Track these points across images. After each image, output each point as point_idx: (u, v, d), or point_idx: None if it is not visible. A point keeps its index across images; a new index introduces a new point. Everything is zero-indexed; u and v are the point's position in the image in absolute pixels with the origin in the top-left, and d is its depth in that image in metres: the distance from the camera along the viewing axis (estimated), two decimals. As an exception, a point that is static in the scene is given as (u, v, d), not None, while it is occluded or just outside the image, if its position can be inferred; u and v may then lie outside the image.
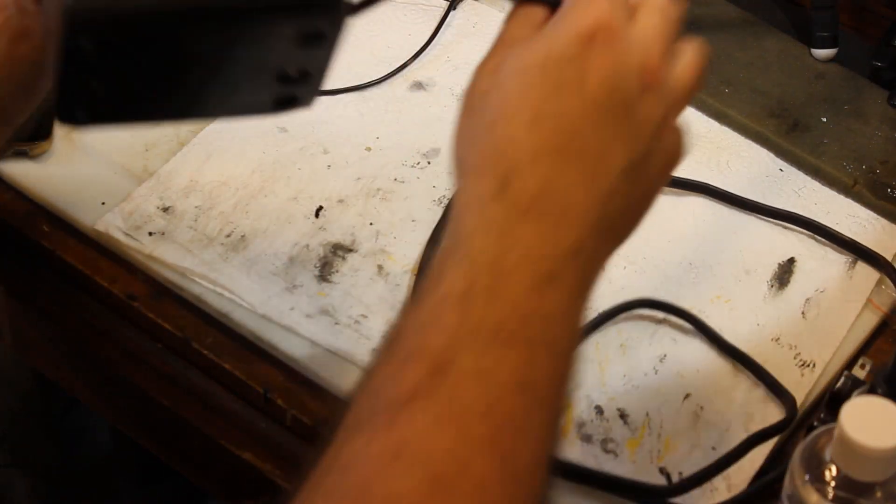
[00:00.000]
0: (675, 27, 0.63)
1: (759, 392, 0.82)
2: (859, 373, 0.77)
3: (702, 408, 0.81)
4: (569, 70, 0.60)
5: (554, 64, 0.60)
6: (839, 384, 0.76)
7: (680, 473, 0.78)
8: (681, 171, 0.94)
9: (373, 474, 0.53)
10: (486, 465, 0.54)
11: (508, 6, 0.64)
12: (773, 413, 0.81)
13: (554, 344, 0.57)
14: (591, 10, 0.60)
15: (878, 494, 0.65)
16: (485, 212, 0.58)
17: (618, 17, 0.60)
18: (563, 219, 0.58)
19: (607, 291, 0.87)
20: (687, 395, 0.82)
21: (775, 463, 0.79)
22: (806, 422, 0.81)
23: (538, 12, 0.63)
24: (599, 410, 0.81)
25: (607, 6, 0.60)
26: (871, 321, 0.87)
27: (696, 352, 0.84)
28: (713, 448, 0.80)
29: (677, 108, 0.63)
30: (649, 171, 0.62)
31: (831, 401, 0.76)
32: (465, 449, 0.54)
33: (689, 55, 0.63)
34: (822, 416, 0.77)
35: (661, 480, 0.78)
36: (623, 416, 0.81)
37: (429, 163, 0.94)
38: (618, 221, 0.61)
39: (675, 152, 0.63)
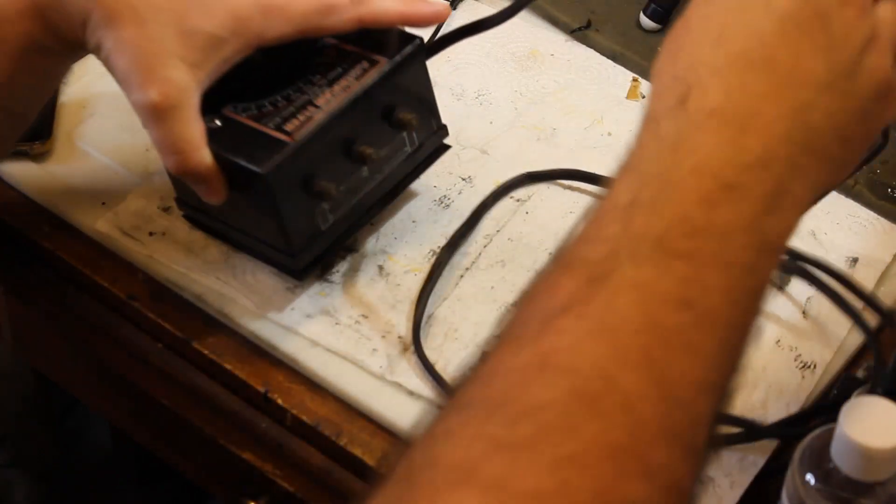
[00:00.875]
0: None
1: (758, 395, 0.82)
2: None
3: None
4: None
5: None
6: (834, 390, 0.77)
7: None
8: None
9: (515, 385, 0.50)
10: (636, 382, 0.50)
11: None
12: (772, 417, 0.81)
13: (730, 263, 0.53)
14: None
15: (879, 494, 0.65)
16: (660, 125, 0.56)
17: None
18: (746, 128, 0.55)
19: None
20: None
21: (776, 463, 0.79)
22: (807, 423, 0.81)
23: None
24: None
25: None
26: (871, 320, 0.86)
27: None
28: (713, 448, 0.80)
29: (885, 36, 0.60)
30: (857, 89, 0.59)
31: (830, 405, 0.77)
32: (615, 364, 0.50)
33: None
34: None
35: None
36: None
37: (429, 163, 0.94)
38: (826, 140, 0.57)
39: (886, 80, 0.60)
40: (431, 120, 0.87)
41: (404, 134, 0.85)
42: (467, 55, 1.01)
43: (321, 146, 0.80)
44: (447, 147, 0.90)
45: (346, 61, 0.83)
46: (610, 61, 1.03)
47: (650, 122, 0.57)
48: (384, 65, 0.83)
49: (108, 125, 0.96)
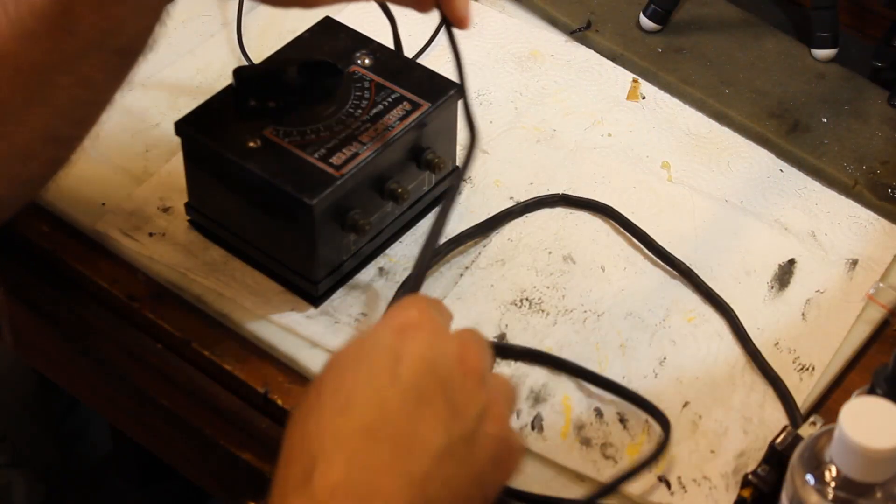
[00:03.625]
0: (489, 364, 0.66)
1: (757, 395, 0.82)
2: (811, 430, 0.76)
3: (700, 416, 0.81)
4: (383, 356, 0.61)
5: (367, 351, 0.62)
6: (779, 440, 0.76)
7: (679, 478, 0.78)
8: (682, 172, 0.95)
9: None
10: None
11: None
12: (770, 416, 0.81)
13: None
14: (403, 308, 0.64)
15: (878, 495, 0.65)
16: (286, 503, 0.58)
17: (431, 316, 0.64)
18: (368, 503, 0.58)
19: (608, 292, 0.87)
20: (686, 404, 0.82)
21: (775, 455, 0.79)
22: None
23: None
24: (599, 413, 0.81)
25: (422, 306, 0.64)
26: (870, 323, 0.87)
27: (696, 355, 0.84)
28: (711, 451, 0.80)
29: (501, 404, 0.65)
30: (475, 457, 0.62)
31: (775, 455, 0.76)
32: None
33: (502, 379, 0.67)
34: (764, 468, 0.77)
35: (660, 488, 0.78)
36: (622, 420, 0.81)
37: (429, 163, 0.94)
38: None
39: (502, 447, 0.64)
40: (449, 162, 0.89)
41: (427, 173, 0.88)
42: (467, 55, 1.01)
43: (362, 182, 0.82)
44: (458, 190, 0.91)
45: (387, 99, 0.85)
46: (610, 62, 1.03)
47: (278, 499, 0.59)
48: (426, 108, 0.85)
49: (108, 125, 0.95)
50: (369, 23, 1.00)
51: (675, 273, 0.89)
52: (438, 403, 0.61)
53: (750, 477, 0.76)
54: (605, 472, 0.78)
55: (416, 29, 1.03)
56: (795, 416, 0.81)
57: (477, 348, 0.65)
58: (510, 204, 0.91)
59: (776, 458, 0.75)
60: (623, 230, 0.90)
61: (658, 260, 0.89)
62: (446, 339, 0.63)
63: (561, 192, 0.92)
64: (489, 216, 0.91)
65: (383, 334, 0.63)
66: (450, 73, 0.99)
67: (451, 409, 0.61)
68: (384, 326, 0.63)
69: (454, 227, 0.90)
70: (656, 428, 0.80)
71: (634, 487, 0.78)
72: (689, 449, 0.80)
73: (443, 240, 0.89)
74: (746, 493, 0.76)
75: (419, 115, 0.84)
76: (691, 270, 0.88)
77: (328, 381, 0.62)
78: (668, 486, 0.78)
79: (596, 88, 1.01)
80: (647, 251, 0.90)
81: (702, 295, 0.87)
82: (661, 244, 0.89)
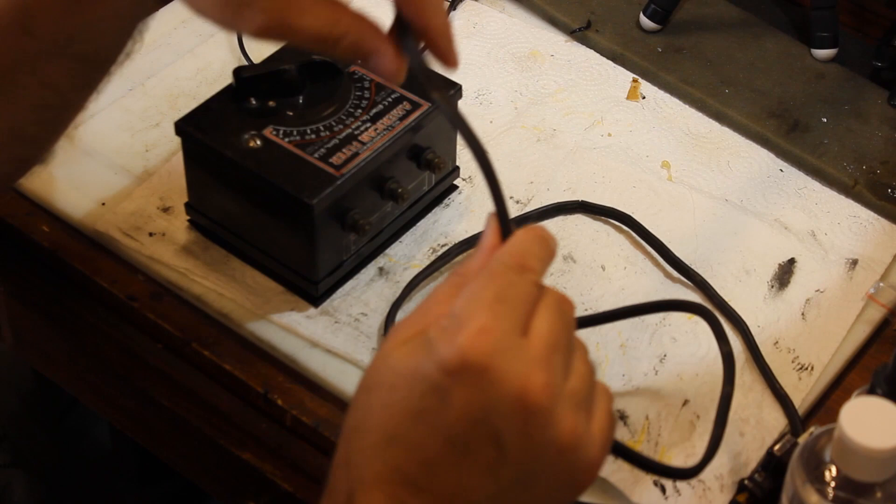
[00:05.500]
0: (572, 327, 0.61)
1: (755, 395, 0.82)
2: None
3: (698, 416, 0.81)
4: (431, 398, 0.58)
5: (419, 388, 0.58)
6: (778, 447, 0.76)
7: (674, 483, 0.78)
8: (682, 171, 0.95)
9: None
10: None
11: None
12: (768, 416, 0.81)
13: None
14: (469, 331, 0.57)
15: (878, 494, 0.65)
16: None
17: (494, 344, 0.57)
18: None
19: (608, 291, 0.87)
20: (685, 402, 0.82)
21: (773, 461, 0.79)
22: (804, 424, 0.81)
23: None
24: (599, 411, 0.81)
25: (489, 323, 0.57)
26: (870, 323, 0.87)
27: (696, 353, 0.84)
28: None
29: (574, 419, 0.59)
30: (532, 493, 0.59)
31: (772, 462, 0.76)
32: None
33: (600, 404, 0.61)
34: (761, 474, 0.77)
35: (655, 492, 0.78)
36: (623, 416, 0.81)
37: (429, 163, 0.94)
38: None
39: (568, 466, 0.60)
40: (449, 161, 0.89)
41: (427, 173, 0.88)
42: (467, 55, 1.01)
43: (361, 182, 0.82)
44: (456, 187, 0.92)
45: (387, 99, 0.85)
46: (610, 62, 1.03)
47: None
48: (426, 108, 0.85)
49: (108, 125, 0.96)
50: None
51: (675, 272, 0.89)
52: (488, 452, 0.58)
53: (746, 482, 0.76)
54: (606, 469, 0.78)
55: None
56: (794, 418, 0.81)
57: (550, 366, 0.58)
58: (512, 204, 0.91)
59: (774, 464, 0.76)
60: (641, 240, 0.90)
61: (660, 259, 0.89)
62: (505, 379, 0.57)
63: (561, 192, 0.93)
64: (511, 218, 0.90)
65: (431, 371, 0.58)
66: (449, 74, 0.99)
67: (501, 454, 0.58)
68: (430, 356, 0.58)
69: (456, 227, 0.90)
70: (656, 425, 0.80)
71: (629, 492, 0.77)
72: (685, 453, 0.80)
73: (452, 242, 0.89)
74: (742, 499, 0.76)
75: (419, 115, 0.84)
76: (706, 282, 0.87)
77: (378, 404, 0.59)
78: (664, 490, 0.78)
79: (596, 88, 1.01)
80: (654, 254, 0.89)
81: (716, 306, 0.86)
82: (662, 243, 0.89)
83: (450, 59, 0.68)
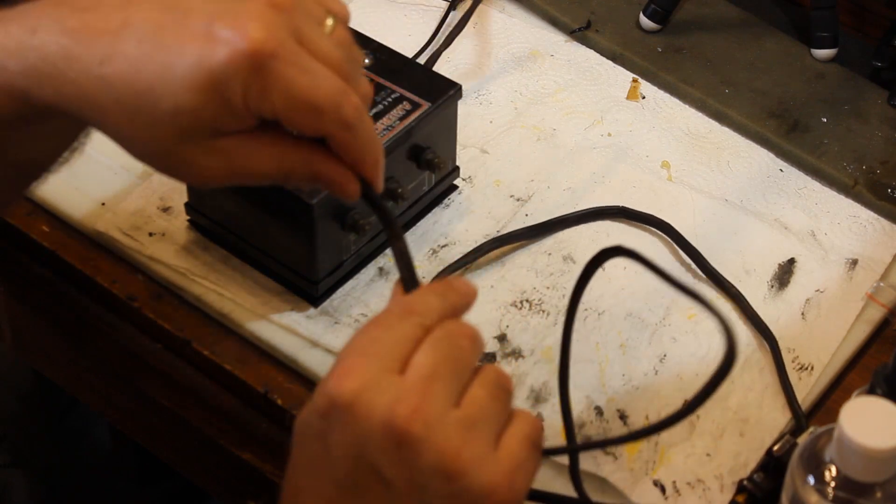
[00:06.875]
0: (463, 358, 0.60)
1: (755, 396, 0.82)
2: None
3: (698, 417, 0.81)
4: (315, 446, 0.59)
5: (306, 437, 0.60)
6: (777, 447, 0.76)
7: (674, 483, 0.78)
8: (682, 171, 0.95)
9: None
10: None
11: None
12: (768, 416, 0.81)
13: None
14: (338, 373, 0.59)
15: (878, 494, 0.65)
16: None
17: (364, 379, 0.58)
18: None
19: (607, 291, 0.87)
20: (685, 402, 0.82)
21: (772, 462, 0.79)
22: (804, 424, 0.81)
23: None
24: (599, 411, 0.81)
25: (359, 363, 0.58)
26: (870, 322, 0.87)
27: (696, 353, 0.84)
28: (707, 455, 0.80)
29: (464, 442, 0.58)
30: None
31: (772, 462, 0.76)
32: None
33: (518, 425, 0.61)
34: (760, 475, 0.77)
35: (655, 493, 0.78)
36: (623, 416, 0.81)
37: (429, 163, 0.94)
38: None
39: (483, 492, 0.58)
40: (449, 161, 0.89)
41: (427, 173, 0.88)
42: (467, 55, 1.01)
43: (361, 181, 0.81)
44: (456, 187, 0.92)
45: (387, 99, 0.85)
46: (610, 62, 1.03)
47: None
48: (426, 108, 0.85)
49: (108, 125, 0.95)
50: (370, 23, 1.00)
51: (675, 272, 0.88)
52: (376, 488, 0.59)
53: (745, 483, 0.76)
54: (606, 469, 0.78)
55: (416, 29, 1.03)
56: (800, 419, 0.80)
57: (425, 394, 0.58)
58: (512, 203, 0.91)
59: (773, 465, 0.76)
60: (678, 248, 0.90)
61: (658, 259, 0.89)
62: (371, 411, 0.57)
63: (561, 191, 0.93)
64: (548, 219, 0.90)
65: (312, 419, 0.60)
66: (450, 73, 1.00)
67: (388, 489, 0.58)
68: (312, 408, 0.60)
69: (456, 227, 0.90)
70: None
71: (629, 492, 0.78)
72: (685, 453, 0.80)
73: (452, 242, 0.89)
74: (741, 499, 0.76)
75: (419, 115, 0.84)
76: (741, 295, 0.87)
77: (292, 459, 0.62)
78: (663, 490, 0.78)
79: (596, 88, 1.01)
80: (646, 251, 0.89)
81: (749, 319, 0.86)
82: (662, 243, 0.89)
83: (378, 188, 0.68)
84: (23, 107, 0.65)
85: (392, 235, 0.66)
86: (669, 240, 0.90)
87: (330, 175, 0.67)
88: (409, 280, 0.65)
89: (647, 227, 0.91)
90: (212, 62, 0.61)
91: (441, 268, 0.87)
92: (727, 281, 0.87)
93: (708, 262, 0.88)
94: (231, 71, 0.61)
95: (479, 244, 0.88)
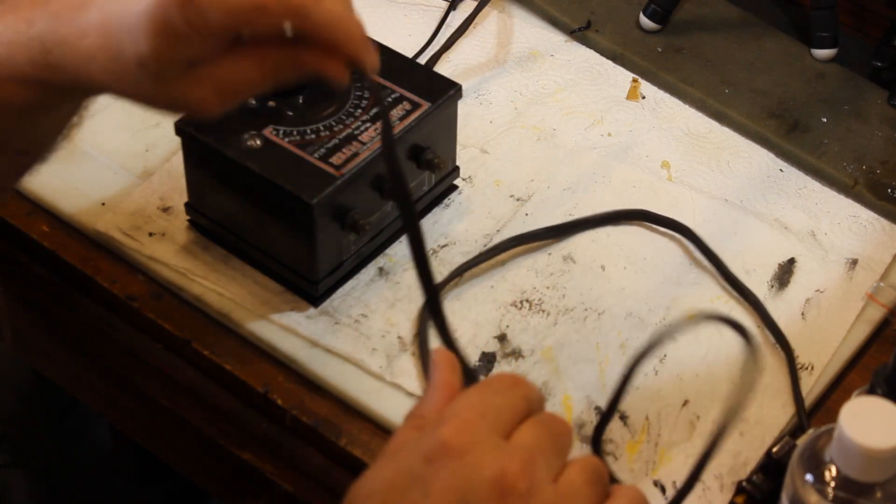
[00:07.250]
0: (562, 444, 0.62)
1: (754, 395, 0.82)
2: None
3: (698, 417, 0.81)
4: (413, 491, 0.59)
5: (397, 483, 0.60)
6: (776, 449, 0.76)
7: (674, 483, 0.78)
8: (682, 171, 0.95)
9: None
10: None
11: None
12: (768, 416, 0.81)
13: None
14: (451, 424, 0.61)
15: (878, 494, 0.65)
16: None
17: (472, 428, 0.60)
18: None
19: (607, 291, 0.87)
20: (685, 402, 0.82)
21: (771, 464, 0.79)
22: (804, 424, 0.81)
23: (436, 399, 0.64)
24: (599, 411, 0.81)
25: (466, 415, 0.61)
26: (870, 322, 0.87)
27: (696, 353, 0.84)
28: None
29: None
30: None
31: (771, 463, 0.76)
32: None
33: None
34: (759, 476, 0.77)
35: (655, 492, 0.78)
36: (623, 417, 0.81)
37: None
38: None
39: None
40: (449, 161, 0.89)
41: (427, 172, 0.88)
42: (467, 55, 1.01)
43: (361, 182, 0.82)
44: (456, 187, 0.92)
45: (387, 99, 0.85)
46: (610, 62, 1.03)
47: None
48: (425, 108, 0.85)
49: (108, 125, 0.96)
50: (370, 23, 1.00)
51: (674, 272, 0.88)
52: None
53: (744, 484, 0.76)
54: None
55: (416, 29, 1.03)
56: (803, 420, 0.80)
57: (529, 456, 0.61)
58: (512, 203, 0.91)
59: (772, 466, 0.76)
60: (699, 253, 0.89)
61: (658, 259, 0.89)
62: (483, 463, 0.60)
63: (561, 191, 0.93)
64: (561, 222, 0.90)
65: (413, 460, 0.60)
66: (450, 73, 1.00)
67: None
68: (415, 449, 0.61)
69: (456, 227, 0.90)
70: (656, 425, 0.80)
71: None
72: (685, 453, 0.80)
73: (452, 242, 0.89)
74: (740, 500, 0.76)
75: (419, 115, 0.84)
76: (760, 303, 0.86)
77: (375, 479, 0.61)
78: (664, 490, 0.78)
79: (596, 88, 1.01)
80: (646, 251, 0.89)
81: (768, 327, 0.85)
82: (662, 243, 0.89)
83: (366, 64, 0.69)
84: (37, 94, 0.69)
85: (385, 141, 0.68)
86: (687, 243, 0.90)
87: (313, 63, 0.68)
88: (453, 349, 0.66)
89: (667, 230, 0.91)
90: (147, 4, 0.64)
91: (441, 268, 0.87)
92: (747, 287, 0.87)
93: (728, 269, 0.88)
94: (164, 3, 0.64)
95: (494, 243, 0.88)
